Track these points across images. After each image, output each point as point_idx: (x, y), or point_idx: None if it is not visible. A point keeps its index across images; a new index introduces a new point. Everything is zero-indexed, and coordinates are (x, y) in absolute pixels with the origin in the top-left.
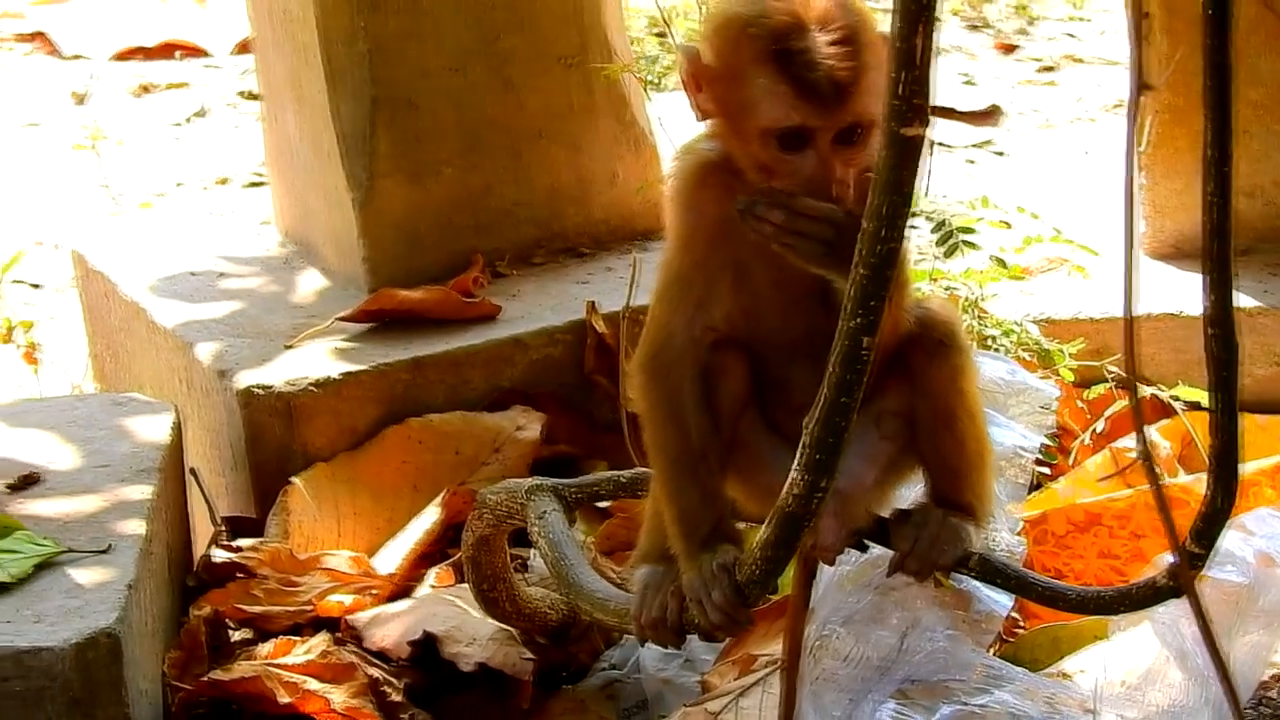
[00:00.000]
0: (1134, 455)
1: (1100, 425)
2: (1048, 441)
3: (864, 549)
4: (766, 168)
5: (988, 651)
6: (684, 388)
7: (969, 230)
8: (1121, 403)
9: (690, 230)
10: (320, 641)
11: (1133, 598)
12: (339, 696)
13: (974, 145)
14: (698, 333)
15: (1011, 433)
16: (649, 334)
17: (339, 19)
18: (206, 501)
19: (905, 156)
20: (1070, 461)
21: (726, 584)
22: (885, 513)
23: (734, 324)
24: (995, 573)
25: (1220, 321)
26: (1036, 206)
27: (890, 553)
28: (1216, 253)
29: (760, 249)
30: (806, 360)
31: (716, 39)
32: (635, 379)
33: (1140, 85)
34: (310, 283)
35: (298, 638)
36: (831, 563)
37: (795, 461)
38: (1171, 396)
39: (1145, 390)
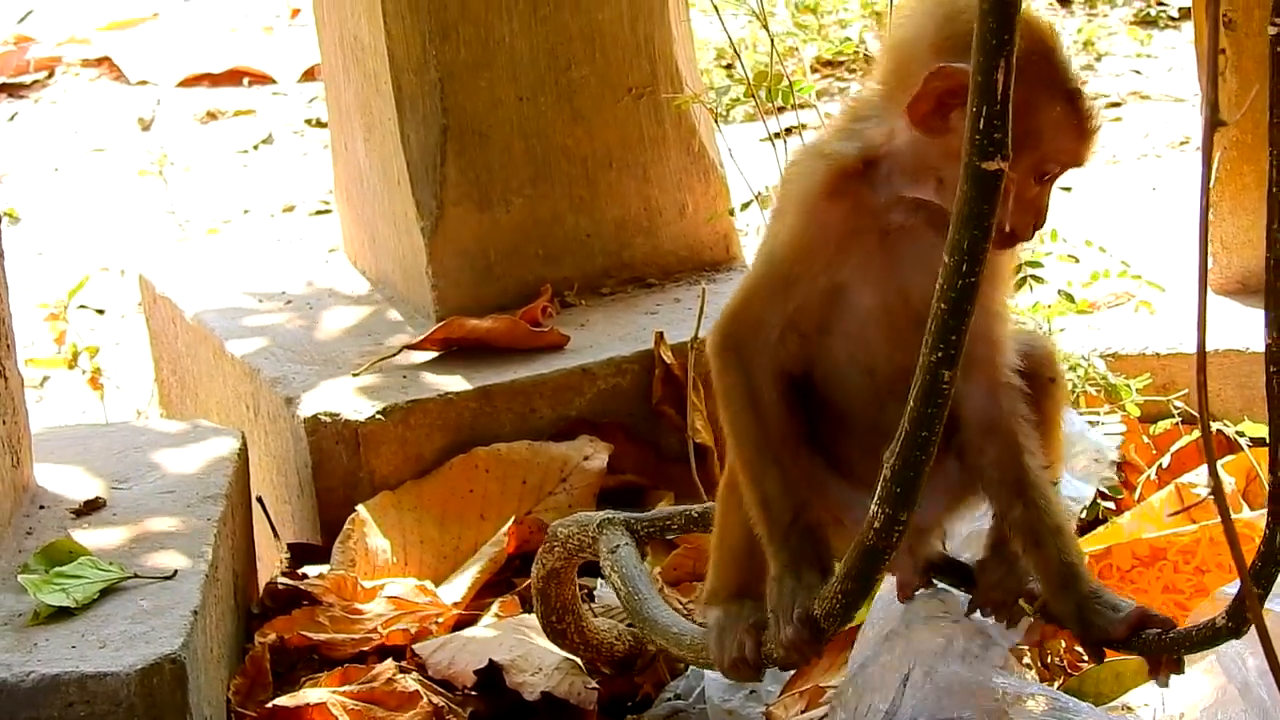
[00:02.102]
0: (1200, 491)
1: (1165, 460)
2: (1104, 489)
3: (931, 586)
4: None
5: (1053, 686)
6: (768, 372)
7: (1037, 264)
8: (1188, 438)
9: (812, 242)
10: (384, 669)
11: (1192, 639)
12: None
13: None
14: (787, 333)
15: (1065, 483)
16: (736, 315)
17: (410, 47)
18: (272, 528)
19: (986, 190)
20: (1135, 496)
21: (805, 630)
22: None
23: (825, 337)
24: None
25: None
26: (1103, 242)
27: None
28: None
29: (876, 273)
30: (890, 398)
31: None
32: (714, 354)
33: (1214, 121)
34: (378, 310)
35: (362, 665)
36: (907, 599)
37: (874, 495)
38: (1237, 432)
39: (1211, 425)
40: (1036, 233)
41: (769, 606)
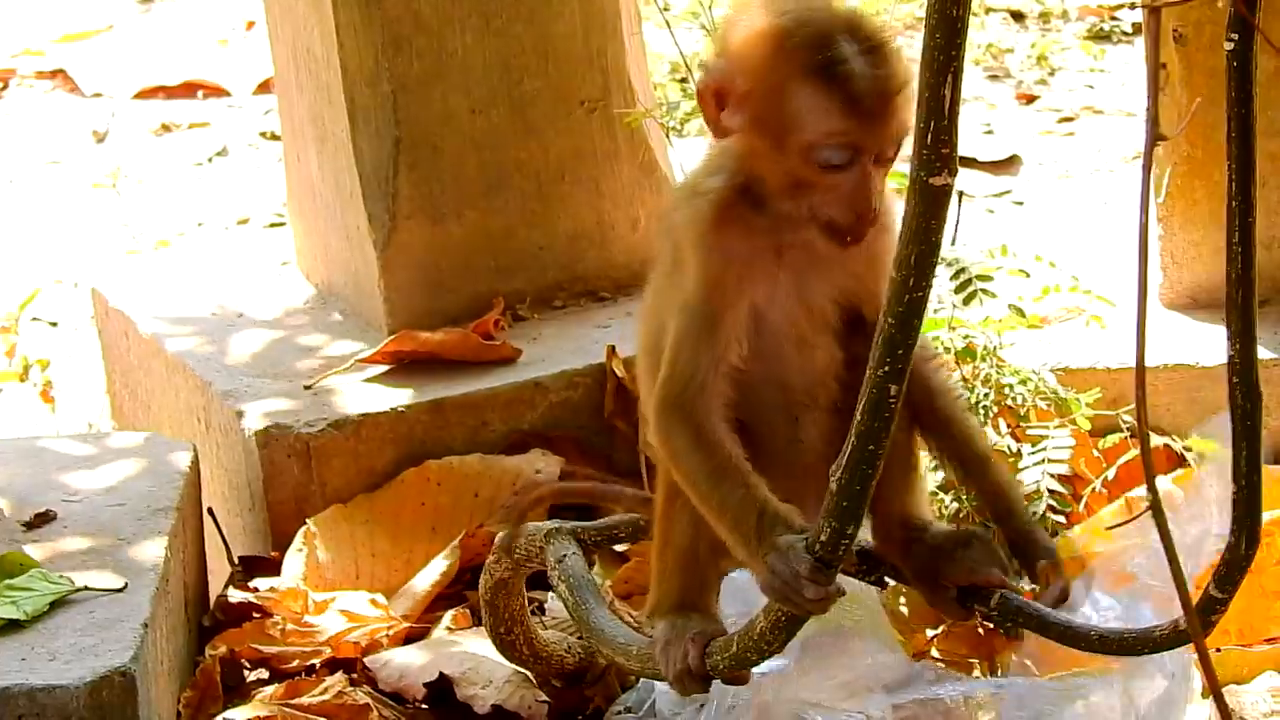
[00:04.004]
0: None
1: (1111, 473)
2: (1054, 504)
3: (883, 585)
4: (804, 185)
5: None
6: (712, 417)
7: (987, 279)
8: (1134, 451)
9: (719, 270)
10: (335, 682)
11: (1154, 640)
12: None
13: (993, 195)
14: (724, 373)
15: None
16: (671, 375)
17: (362, 60)
18: (223, 541)
19: (933, 205)
20: (1080, 508)
21: (805, 565)
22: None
23: (750, 367)
24: (1015, 611)
25: (1243, 371)
26: (1055, 256)
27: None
28: (1240, 302)
29: (782, 290)
30: (802, 410)
31: (749, 52)
32: (659, 420)
33: (1155, 136)
34: (330, 323)
35: (312, 678)
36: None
37: (822, 510)
38: (1184, 447)
39: (1158, 441)
40: (868, 227)
41: (762, 586)
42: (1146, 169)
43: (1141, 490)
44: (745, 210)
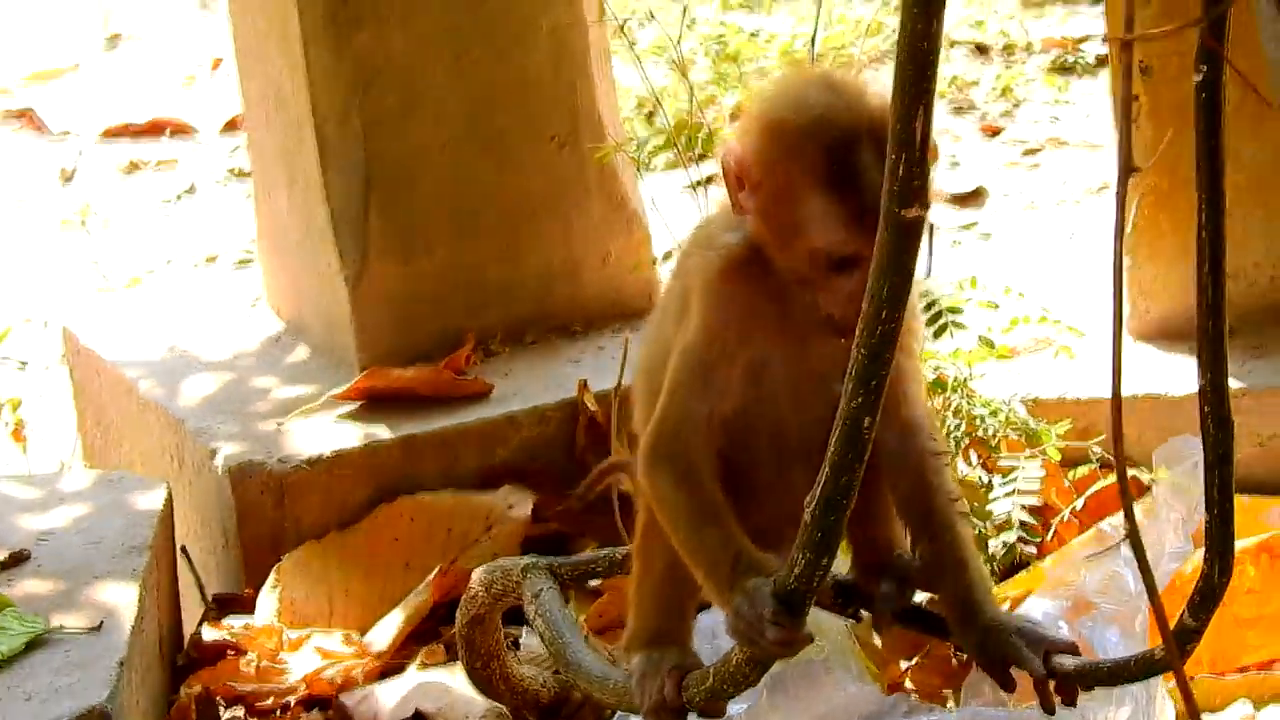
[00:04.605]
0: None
1: (1080, 503)
2: (1024, 534)
3: (858, 618)
4: (807, 280)
5: None
6: (701, 461)
7: (957, 310)
8: (1104, 481)
9: (721, 325)
10: None
11: (1130, 670)
12: None
13: (960, 227)
14: (715, 421)
15: None
16: (664, 419)
17: (332, 97)
18: (197, 579)
19: (905, 238)
20: (1049, 537)
21: (768, 607)
22: None
23: (746, 416)
24: None
25: (1215, 400)
26: (1023, 288)
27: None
28: (1212, 331)
29: (782, 349)
30: (795, 459)
31: (764, 146)
32: (646, 460)
33: (1128, 170)
34: (301, 360)
35: (287, 715)
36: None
37: (796, 540)
38: (1152, 480)
39: (1128, 471)
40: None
41: (729, 628)
42: (1120, 203)
43: (1114, 520)
44: (755, 270)
